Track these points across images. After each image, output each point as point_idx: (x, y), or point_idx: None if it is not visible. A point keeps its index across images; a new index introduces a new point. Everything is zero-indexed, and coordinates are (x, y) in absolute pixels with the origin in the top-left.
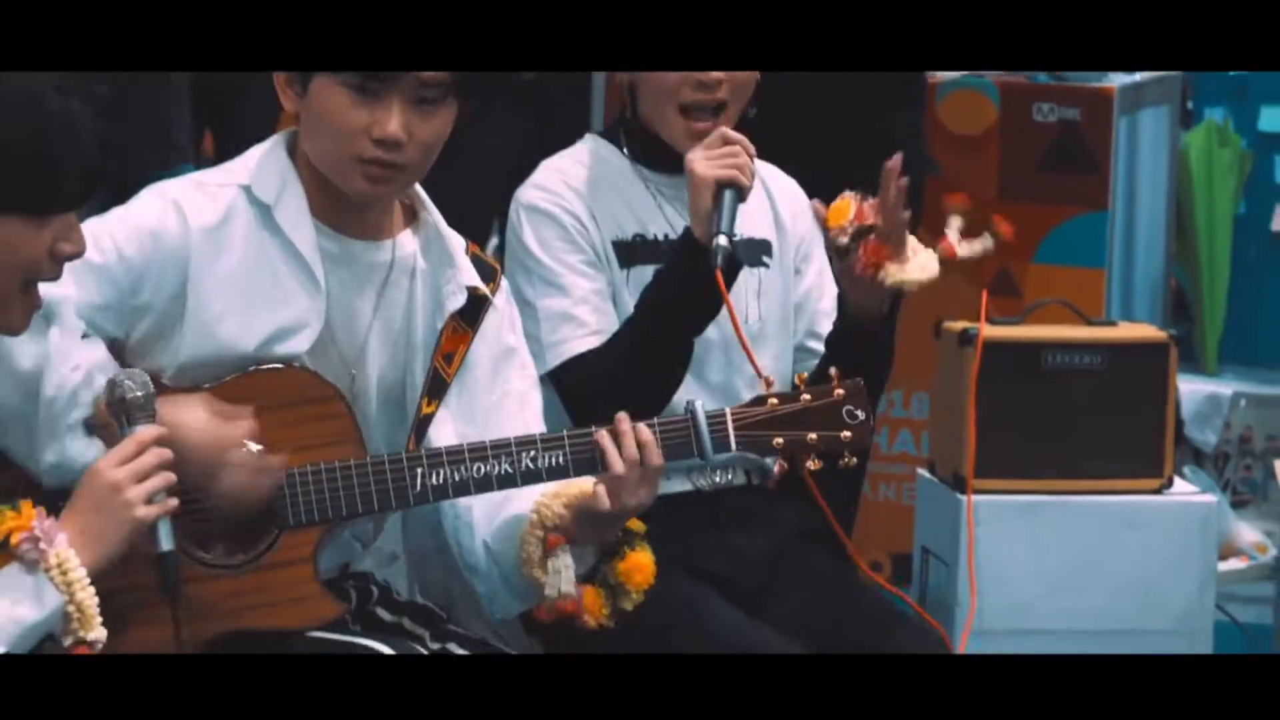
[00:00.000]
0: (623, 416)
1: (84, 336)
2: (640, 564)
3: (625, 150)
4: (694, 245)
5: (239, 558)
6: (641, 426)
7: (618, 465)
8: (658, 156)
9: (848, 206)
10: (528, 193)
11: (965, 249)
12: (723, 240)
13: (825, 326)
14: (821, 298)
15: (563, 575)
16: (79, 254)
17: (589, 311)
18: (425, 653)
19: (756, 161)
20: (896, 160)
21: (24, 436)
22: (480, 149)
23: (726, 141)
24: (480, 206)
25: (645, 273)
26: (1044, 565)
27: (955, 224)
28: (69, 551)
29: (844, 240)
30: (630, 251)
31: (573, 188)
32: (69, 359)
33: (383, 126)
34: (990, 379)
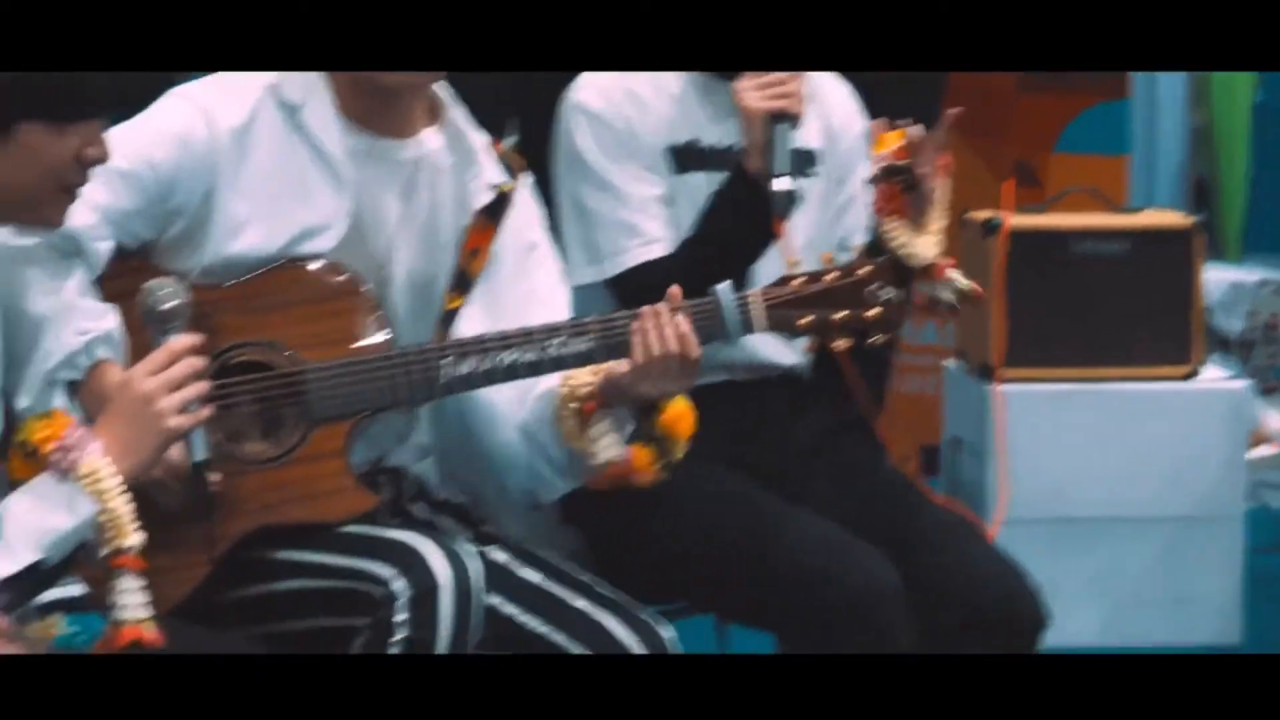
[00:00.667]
0: (662, 307)
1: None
2: (681, 412)
3: None
4: (748, 180)
5: (271, 452)
6: (681, 318)
7: (655, 348)
8: None
9: (894, 139)
10: (580, 94)
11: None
12: (783, 183)
13: (857, 239)
14: (859, 209)
15: (606, 439)
16: (103, 159)
17: (646, 219)
18: (471, 548)
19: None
20: (953, 114)
21: (2, 367)
22: None
23: None
24: (494, 104)
25: (698, 180)
26: (1073, 453)
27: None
28: (102, 460)
29: (874, 171)
30: (684, 158)
31: (626, 89)
32: (77, 321)
33: None
34: (1016, 268)
